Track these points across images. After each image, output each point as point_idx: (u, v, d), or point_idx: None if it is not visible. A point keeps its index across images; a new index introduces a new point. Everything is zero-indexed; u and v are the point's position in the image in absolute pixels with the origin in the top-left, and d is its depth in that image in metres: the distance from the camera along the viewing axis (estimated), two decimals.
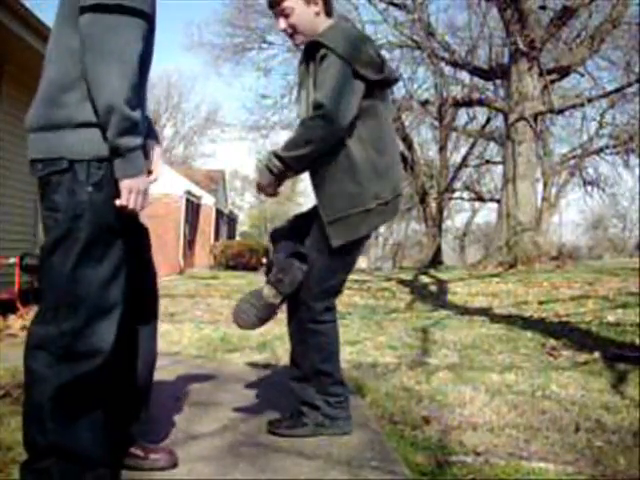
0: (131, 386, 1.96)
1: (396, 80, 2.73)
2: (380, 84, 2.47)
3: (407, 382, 3.50)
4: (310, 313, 2.47)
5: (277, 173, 2.44)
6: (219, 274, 16.66)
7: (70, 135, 1.67)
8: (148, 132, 1.91)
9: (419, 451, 2.38)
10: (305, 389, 2.52)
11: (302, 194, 38.25)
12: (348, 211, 2.41)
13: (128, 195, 1.67)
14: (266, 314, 2.48)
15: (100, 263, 1.70)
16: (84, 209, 1.67)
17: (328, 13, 2.52)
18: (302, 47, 2.54)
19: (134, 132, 1.64)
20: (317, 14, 2.47)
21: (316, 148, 2.34)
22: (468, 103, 17.57)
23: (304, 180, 21.52)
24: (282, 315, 2.61)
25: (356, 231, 2.44)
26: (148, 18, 1.67)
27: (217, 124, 36.92)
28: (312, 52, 2.41)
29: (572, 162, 22.08)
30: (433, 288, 10.03)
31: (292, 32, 2.52)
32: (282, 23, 2.50)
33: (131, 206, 1.69)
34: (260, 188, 2.54)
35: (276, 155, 2.41)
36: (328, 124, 2.30)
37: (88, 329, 1.69)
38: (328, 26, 2.47)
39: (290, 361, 2.62)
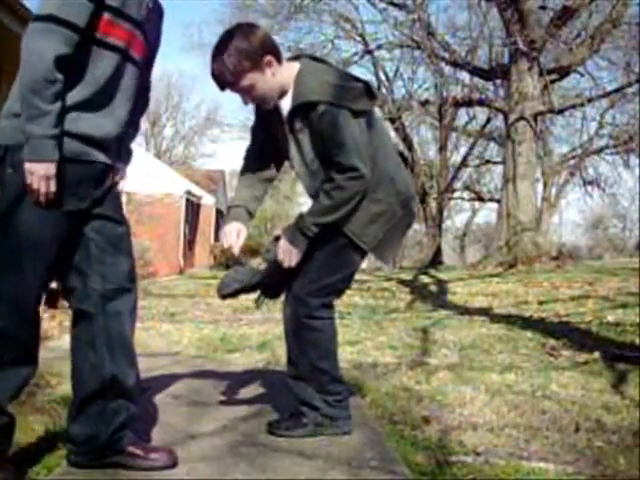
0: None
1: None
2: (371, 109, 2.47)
3: (407, 382, 3.49)
4: (306, 309, 2.45)
5: (312, 237, 2.38)
6: (219, 274, 16.63)
7: (7, 123, 1.89)
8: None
9: (419, 451, 2.37)
10: (303, 388, 2.51)
11: (302, 194, 38.28)
12: (383, 231, 2.45)
13: (30, 177, 1.81)
14: (247, 279, 2.47)
15: (16, 232, 1.87)
16: (4, 188, 1.87)
17: (281, 62, 2.37)
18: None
19: (38, 121, 1.78)
20: (274, 74, 2.33)
21: (354, 202, 2.35)
22: (468, 103, 17.57)
23: None
24: (281, 316, 2.60)
25: (396, 240, 2.53)
26: (76, 29, 1.82)
27: (217, 124, 36.94)
28: (304, 111, 2.31)
29: (572, 162, 22.11)
30: (433, 288, 10.02)
31: (261, 102, 2.40)
32: (247, 100, 2.38)
33: (34, 187, 1.82)
34: (289, 259, 2.40)
35: (317, 224, 2.34)
36: (364, 181, 2.32)
37: (5, 289, 1.88)
38: (297, 77, 2.35)
39: (287, 360, 2.62)
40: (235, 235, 2.48)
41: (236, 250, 2.48)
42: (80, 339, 2.04)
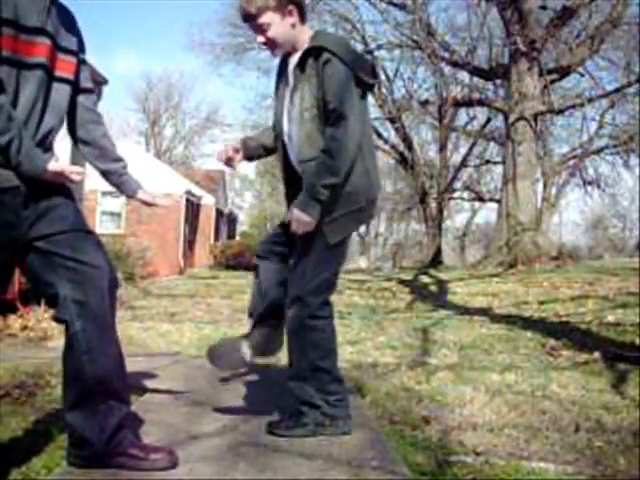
0: None
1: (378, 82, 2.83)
2: (369, 87, 2.55)
3: (407, 382, 3.50)
4: (307, 309, 2.47)
5: (325, 200, 2.40)
6: (219, 274, 16.65)
7: None
8: None
9: (419, 451, 2.38)
10: (304, 388, 2.52)
11: None
12: (344, 210, 2.47)
13: None
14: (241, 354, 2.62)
15: None
16: None
17: (303, 21, 2.51)
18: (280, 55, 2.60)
19: None
20: (293, 25, 2.46)
21: (352, 153, 2.40)
22: (468, 103, 17.57)
23: None
24: None
25: (351, 228, 2.57)
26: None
27: (217, 124, 36.87)
28: (312, 56, 2.42)
29: (572, 162, 22.07)
30: (433, 288, 10.02)
31: (271, 45, 2.51)
32: (260, 38, 2.49)
33: None
34: (303, 226, 2.42)
35: (325, 185, 2.37)
36: (354, 132, 2.39)
37: None
38: (316, 33, 2.52)
39: (289, 362, 2.62)
40: (232, 151, 2.66)
41: (236, 164, 2.68)
42: (66, 344, 2.01)
